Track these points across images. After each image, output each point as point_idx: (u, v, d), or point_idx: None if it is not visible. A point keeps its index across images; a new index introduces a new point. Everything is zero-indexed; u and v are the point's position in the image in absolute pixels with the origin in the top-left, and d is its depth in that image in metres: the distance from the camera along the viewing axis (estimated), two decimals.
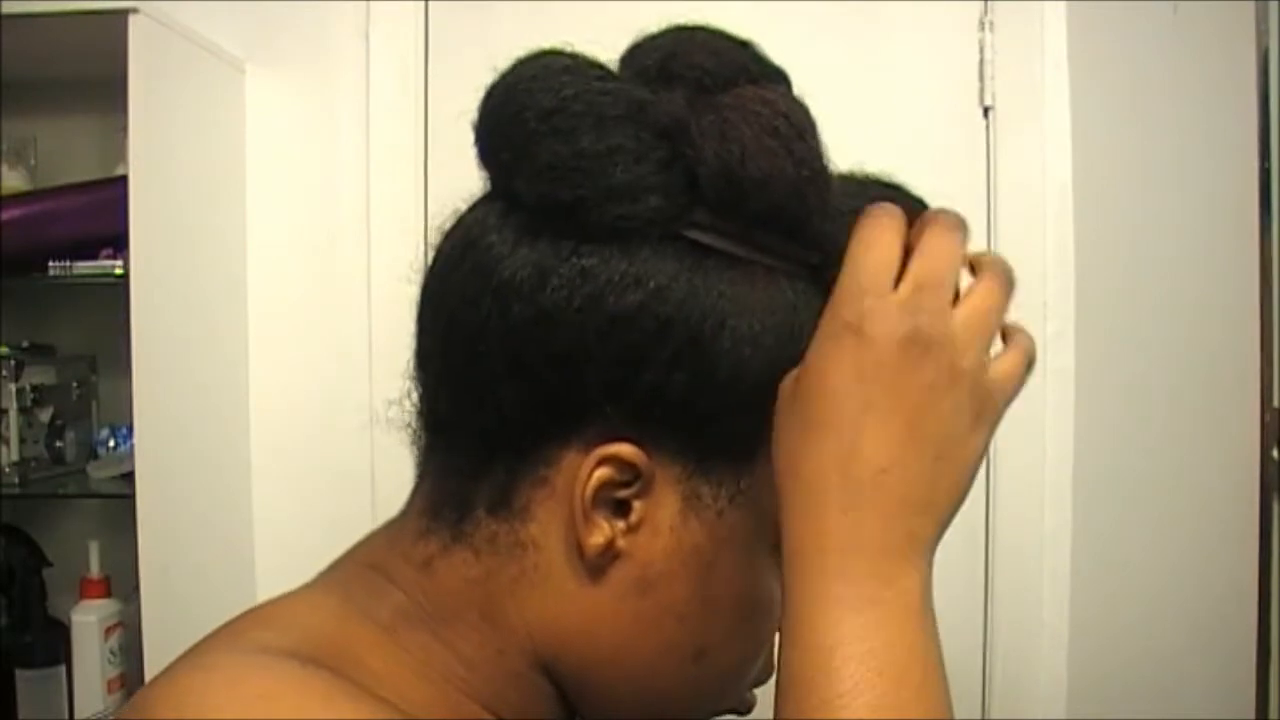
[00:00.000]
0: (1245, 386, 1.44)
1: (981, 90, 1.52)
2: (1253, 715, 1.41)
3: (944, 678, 0.43)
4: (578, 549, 0.48)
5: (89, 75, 1.45)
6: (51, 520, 1.67)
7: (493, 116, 0.49)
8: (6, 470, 1.56)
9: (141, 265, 1.36)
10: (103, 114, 1.56)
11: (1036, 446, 1.50)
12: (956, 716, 0.43)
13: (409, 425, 0.53)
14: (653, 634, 0.50)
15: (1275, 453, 1.42)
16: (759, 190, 0.46)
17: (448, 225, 0.52)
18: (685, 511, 0.48)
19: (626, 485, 0.48)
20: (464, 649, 0.50)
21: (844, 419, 0.44)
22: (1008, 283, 0.47)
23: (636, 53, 0.51)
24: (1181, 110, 1.48)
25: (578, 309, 0.46)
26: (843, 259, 0.46)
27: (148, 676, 1.30)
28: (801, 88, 0.51)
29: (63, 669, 1.50)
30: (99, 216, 1.50)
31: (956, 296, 0.46)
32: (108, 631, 1.50)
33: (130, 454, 1.41)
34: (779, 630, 0.45)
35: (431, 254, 0.52)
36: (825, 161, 0.49)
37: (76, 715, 1.49)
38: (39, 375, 1.61)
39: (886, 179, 0.52)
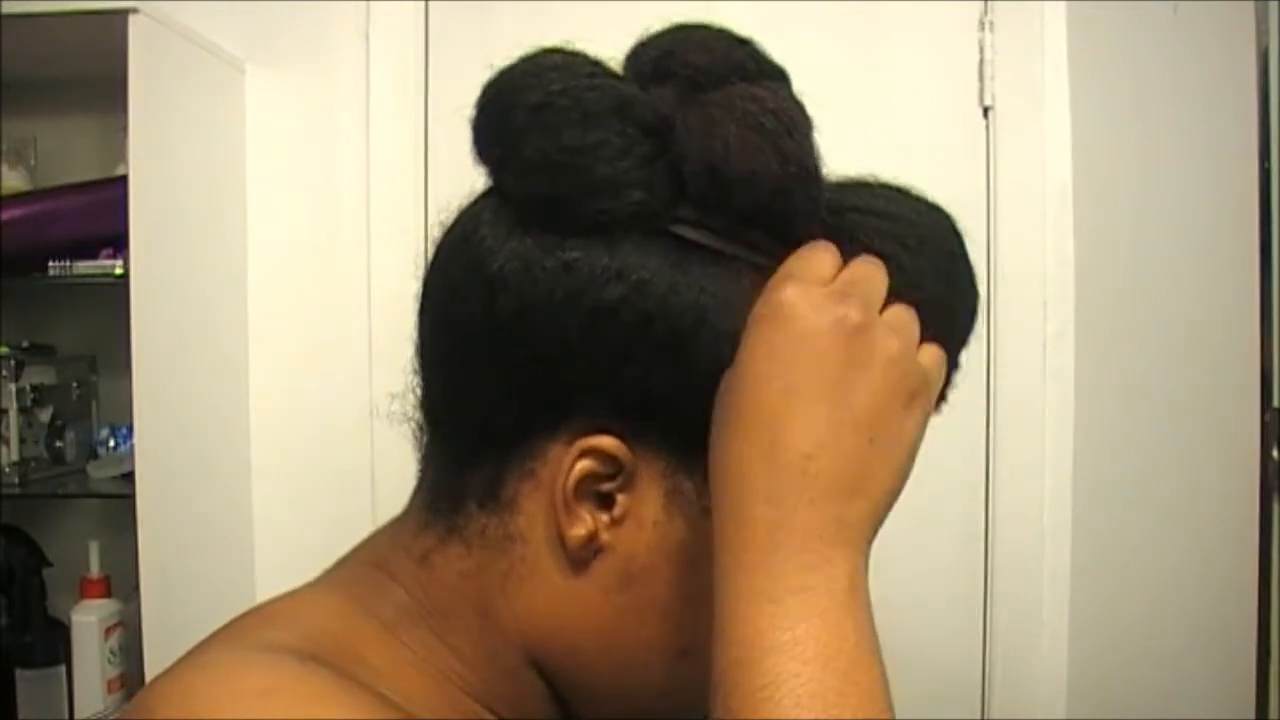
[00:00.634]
0: (1245, 386, 1.43)
1: (981, 90, 1.52)
2: (1253, 715, 1.41)
3: (877, 664, 0.42)
4: (561, 541, 0.48)
5: (89, 75, 1.45)
6: (51, 520, 1.67)
7: (484, 113, 0.49)
8: (6, 470, 1.56)
9: (141, 265, 1.36)
10: (103, 114, 1.56)
11: (1036, 446, 1.50)
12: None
13: (411, 419, 0.54)
14: (637, 629, 0.50)
15: (1275, 453, 1.42)
16: (743, 187, 0.46)
17: (450, 220, 0.52)
18: (669, 506, 0.48)
19: (610, 478, 0.48)
20: (461, 646, 0.51)
21: (767, 406, 0.43)
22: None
23: (638, 51, 0.51)
24: (1181, 110, 1.48)
25: (560, 302, 0.47)
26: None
27: (148, 676, 1.30)
28: (801, 88, 0.51)
29: (63, 669, 1.50)
30: (99, 216, 1.50)
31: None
32: (108, 631, 1.50)
33: (130, 454, 1.41)
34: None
35: (433, 248, 0.53)
36: (816, 160, 0.49)
37: (76, 715, 1.49)
38: (39, 375, 1.61)
39: (896, 184, 0.52)
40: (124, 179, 1.37)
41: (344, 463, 1.58)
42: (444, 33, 1.60)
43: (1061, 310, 1.50)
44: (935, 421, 0.47)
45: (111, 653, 1.50)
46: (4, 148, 1.62)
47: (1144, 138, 1.49)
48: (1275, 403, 1.43)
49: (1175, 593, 1.48)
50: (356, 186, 1.61)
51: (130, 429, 1.43)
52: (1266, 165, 1.42)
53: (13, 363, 1.57)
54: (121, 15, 1.33)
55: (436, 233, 0.53)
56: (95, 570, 1.52)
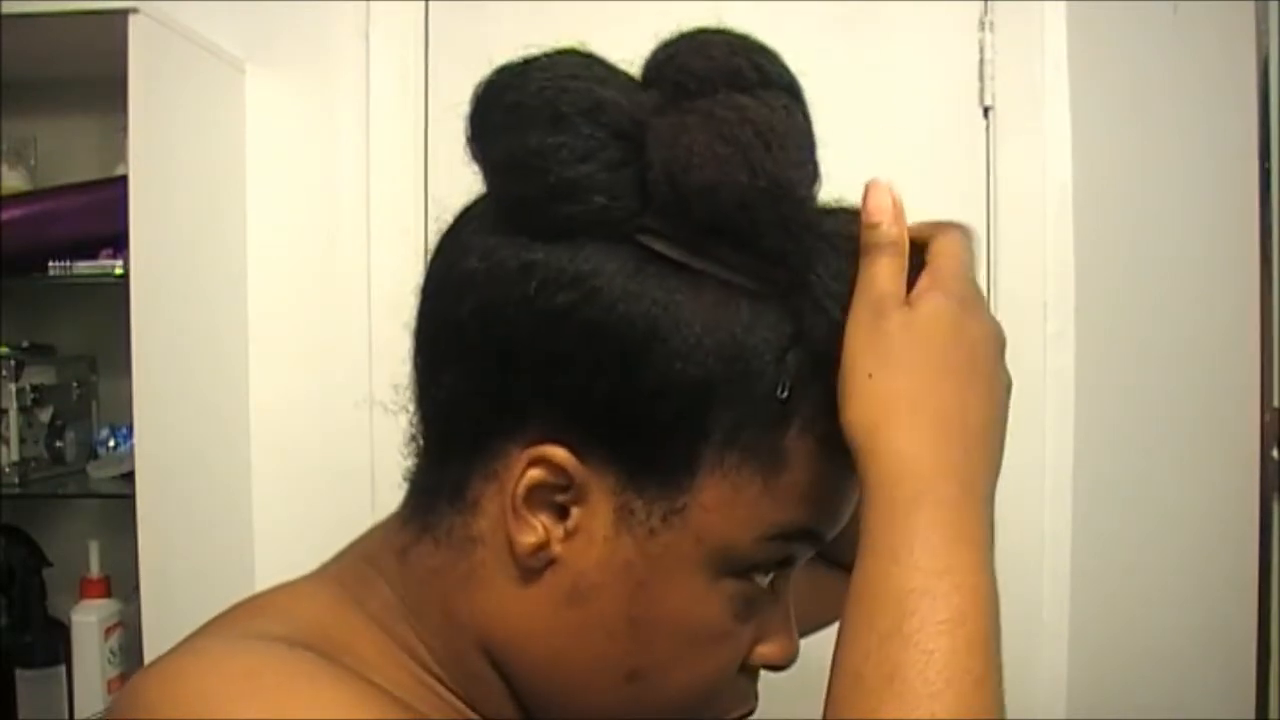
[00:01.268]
0: (1245, 387, 1.43)
1: (981, 90, 1.52)
2: (1253, 715, 1.41)
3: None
4: (510, 547, 0.48)
5: (89, 75, 1.45)
6: (51, 520, 1.67)
7: (471, 112, 0.49)
8: (6, 470, 1.56)
9: (141, 265, 1.36)
10: (103, 114, 1.56)
11: (1036, 446, 1.50)
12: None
13: (408, 411, 0.54)
14: (585, 647, 0.49)
15: (1275, 453, 1.41)
16: (703, 198, 0.45)
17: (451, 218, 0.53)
18: (618, 524, 0.47)
19: (564, 489, 0.47)
20: (434, 643, 0.51)
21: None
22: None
23: (651, 54, 0.50)
24: (1181, 111, 1.48)
25: (514, 304, 0.46)
26: (813, 284, 0.47)
27: None
28: (801, 88, 0.50)
29: (63, 669, 1.50)
30: (99, 216, 1.50)
31: None
32: (108, 631, 1.50)
33: (130, 454, 1.41)
34: (858, 549, 0.45)
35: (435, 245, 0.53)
36: (798, 175, 0.47)
37: (76, 715, 1.49)
38: (39, 375, 1.61)
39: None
40: (124, 179, 1.37)
41: (344, 463, 1.57)
42: (444, 33, 1.60)
43: (1061, 310, 1.50)
44: None
45: (111, 653, 1.50)
46: (4, 148, 1.62)
47: (1144, 138, 1.49)
48: (1275, 403, 1.42)
49: (1175, 593, 1.47)
50: (356, 186, 1.61)
51: (130, 429, 1.43)
52: (1266, 165, 1.42)
53: (13, 363, 1.57)
54: (121, 15, 1.33)
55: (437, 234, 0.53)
56: (95, 570, 1.52)
